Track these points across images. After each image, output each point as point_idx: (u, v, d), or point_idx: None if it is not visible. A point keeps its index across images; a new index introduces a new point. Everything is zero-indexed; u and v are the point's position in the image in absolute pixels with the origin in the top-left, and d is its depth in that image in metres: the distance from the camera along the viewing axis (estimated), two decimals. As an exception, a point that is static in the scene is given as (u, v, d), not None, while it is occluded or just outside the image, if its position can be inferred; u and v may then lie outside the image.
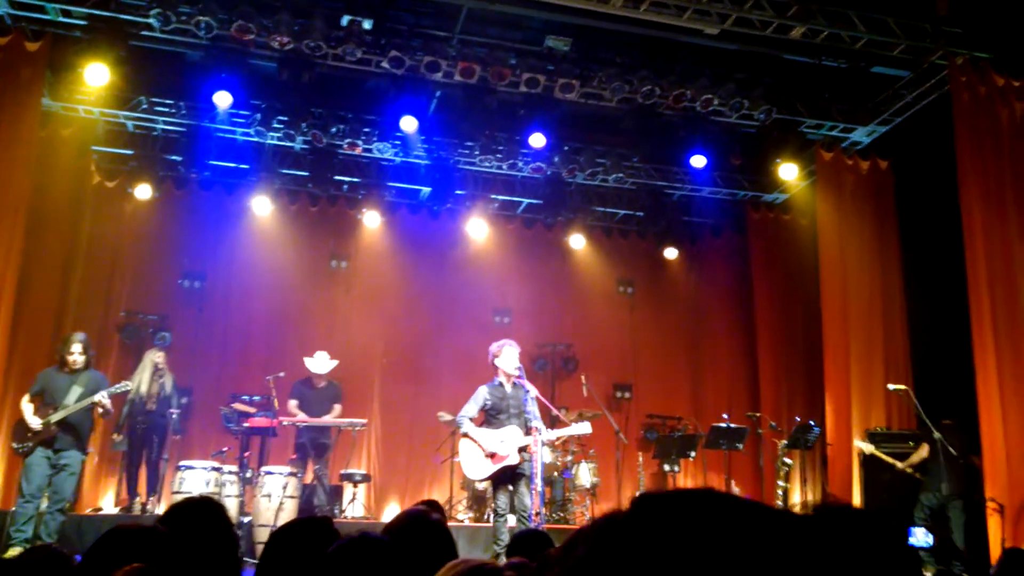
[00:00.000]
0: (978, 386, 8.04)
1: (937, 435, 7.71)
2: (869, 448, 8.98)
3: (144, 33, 8.57)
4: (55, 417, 6.95)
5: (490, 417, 7.20)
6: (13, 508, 7.35)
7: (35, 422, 6.92)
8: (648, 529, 0.68)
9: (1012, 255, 8.11)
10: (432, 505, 3.17)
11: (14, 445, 7.07)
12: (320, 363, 9.73)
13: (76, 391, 7.07)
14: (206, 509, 2.44)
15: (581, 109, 9.94)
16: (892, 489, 8.76)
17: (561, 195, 11.19)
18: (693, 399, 12.12)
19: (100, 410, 7.14)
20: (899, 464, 8.69)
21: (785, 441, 9.44)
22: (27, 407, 7.03)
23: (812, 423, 9.76)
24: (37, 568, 1.67)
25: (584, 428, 7.31)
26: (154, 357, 9.15)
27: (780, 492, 9.14)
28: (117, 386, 7.33)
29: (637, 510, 0.71)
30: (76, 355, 7.20)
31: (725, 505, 0.70)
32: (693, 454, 10.49)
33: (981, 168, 8.40)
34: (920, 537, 7.61)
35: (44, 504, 7.10)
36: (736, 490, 10.48)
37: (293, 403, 9.60)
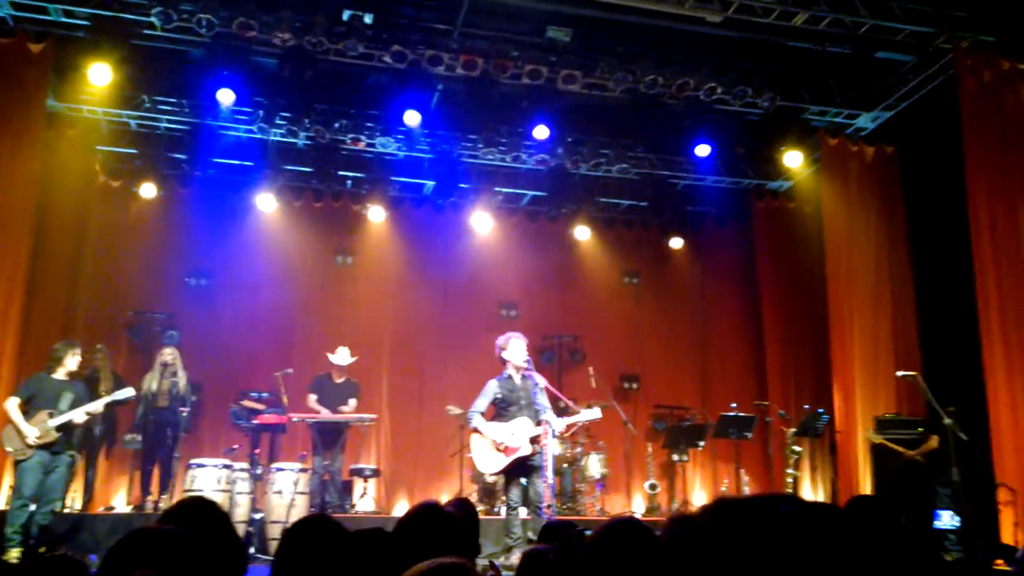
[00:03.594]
0: (986, 372, 8.04)
1: (948, 420, 7.70)
2: (877, 438, 8.98)
3: (146, 32, 8.56)
4: (55, 422, 6.99)
5: (500, 410, 7.21)
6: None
7: (32, 431, 6.95)
8: (730, 538, 0.69)
9: (1019, 239, 8.08)
10: (462, 501, 3.19)
11: (9, 450, 7.07)
12: (342, 357, 9.80)
13: (68, 397, 7.15)
14: (205, 510, 2.45)
15: (584, 100, 9.91)
16: (901, 475, 8.74)
17: (565, 187, 11.17)
18: (701, 388, 12.12)
19: (88, 417, 7.29)
20: (907, 452, 8.68)
21: (794, 429, 9.46)
22: (18, 413, 7.04)
23: (821, 411, 9.76)
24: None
25: (594, 414, 7.32)
26: (162, 355, 9.20)
27: (790, 480, 9.15)
28: (118, 393, 7.39)
29: (716, 518, 0.71)
30: (78, 361, 7.25)
31: (805, 513, 0.70)
32: (702, 443, 10.50)
33: (987, 153, 8.36)
34: (947, 520, 7.61)
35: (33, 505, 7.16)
36: (746, 479, 10.49)
37: (312, 397, 9.64)
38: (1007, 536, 7.45)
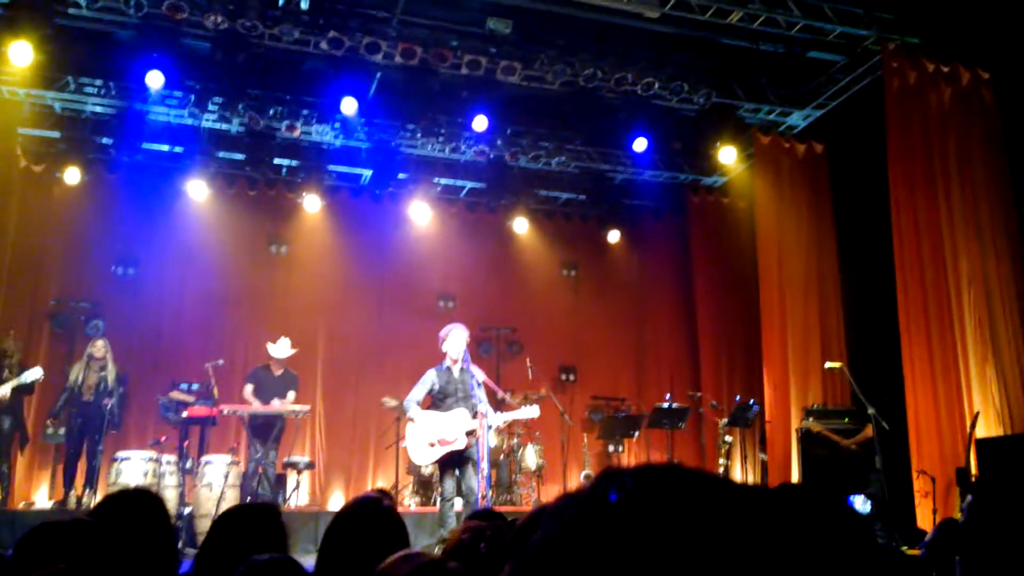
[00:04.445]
0: (904, 363, 8.29)
1: (871, 410, 7.92)
2: (817, 426, 9.18)
3: (71, 11, 8.24)
4: None
5: (437, 401, 7.18)
6: None
7: None
8: (614, 506, 0.68)
9: (939, 235, 8.35)
10: (382, 493, 3.15)
11: None
12: (282, 349, 9.59)
13: None
14: (141, 501, 2.38)
15: (523, 92, 9.90)
16: (830, 464, 8.97)
17: (504, 178, 11.16)
18: (636, 380, 12.27)
19: None
20: (844, 441, 8.90)
21: (726, 419, 9.64)
22: None
23: (751, 401, 9.97)
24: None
25: (532, 412, 7.33)
26: (94, 347, 8.94)
27: (721, 469, 9.32)
28: (25, 375, 7.12)
29: (601, 487, 0.70)
30: None
31: (693, 481, 0.69)
32: (637, 434, 10.63)
33: (909, 151, 8.61)
34: (858, 505, 7.84)
35: None
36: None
37: (249, 388, 9.42)
38: (925, 521, 7.70)
